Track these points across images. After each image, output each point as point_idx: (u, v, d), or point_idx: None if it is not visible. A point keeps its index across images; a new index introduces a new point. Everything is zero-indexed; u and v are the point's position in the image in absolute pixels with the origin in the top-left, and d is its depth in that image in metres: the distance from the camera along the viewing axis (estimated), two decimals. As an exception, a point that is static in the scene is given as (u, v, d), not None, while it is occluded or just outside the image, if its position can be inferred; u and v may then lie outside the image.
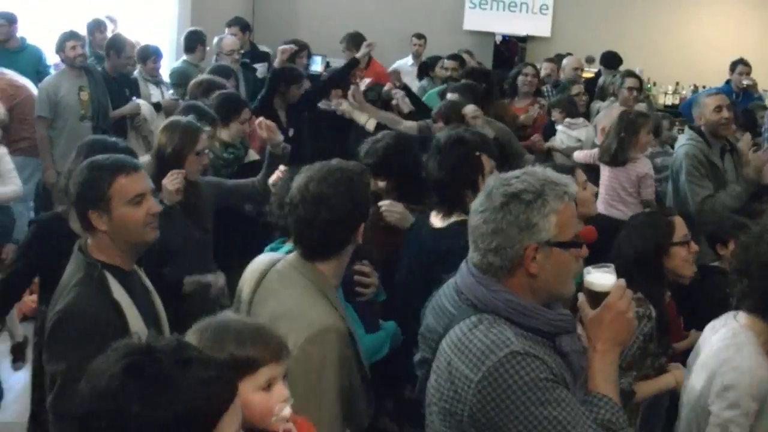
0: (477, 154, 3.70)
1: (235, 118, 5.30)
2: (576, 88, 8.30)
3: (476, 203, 2.33)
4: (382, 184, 4.21)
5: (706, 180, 5.67)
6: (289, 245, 3.39)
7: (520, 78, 8.25)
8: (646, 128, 6.09)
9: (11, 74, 7.23)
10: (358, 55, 7.62)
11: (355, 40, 9.12)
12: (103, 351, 1.75)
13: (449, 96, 6.38)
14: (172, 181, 4.09)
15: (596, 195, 4.45)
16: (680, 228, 3.71)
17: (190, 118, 4.47)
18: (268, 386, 2.16)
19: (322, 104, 7.15)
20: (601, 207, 5.77)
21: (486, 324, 2.22)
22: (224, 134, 5.25)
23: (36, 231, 4.00)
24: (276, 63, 7.33)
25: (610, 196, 6.04)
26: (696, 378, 3.16)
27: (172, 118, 4.59)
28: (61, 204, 3.89)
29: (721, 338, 3.10)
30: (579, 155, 6.68)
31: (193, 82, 6.16)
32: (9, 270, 4.13)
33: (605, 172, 6.12)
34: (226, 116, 5.24)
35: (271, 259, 3.07)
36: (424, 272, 3.47)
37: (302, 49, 8.78)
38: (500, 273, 2.26)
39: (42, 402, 2.99)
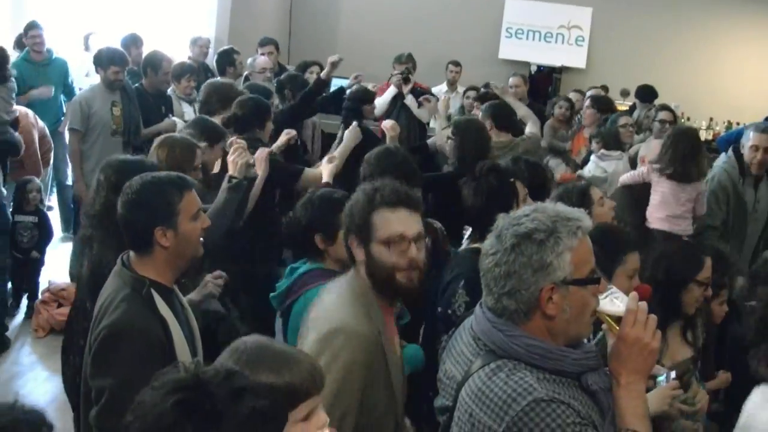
0: (512, 180, 3.76)
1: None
2: (624, 120, 7.96)
3: (486, 245, 2.24)
4: None
5: (719, 209, 5.98)
6: (310, 264, 3.49)
7: (556, 110, 8.79)
8: None
9: None
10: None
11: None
12: (150, 367, 1.67)
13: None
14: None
15: (614, 210, 4.41)
16: (707, 270, 3.66)
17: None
18: (307, 416, 2.00)
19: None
20: (662, 224, 5.94)
21: (506, 371, 2.13)
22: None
23: None
24: (323, 75, 7.10)
25: (671, 211, 6.01)
26: None
27: (168, 135, 4.48)
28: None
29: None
30: (626, 178, 6.54)
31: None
32: None
33: (666, 187, 6.07)
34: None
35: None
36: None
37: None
38: (516, 316, 2.17)
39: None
